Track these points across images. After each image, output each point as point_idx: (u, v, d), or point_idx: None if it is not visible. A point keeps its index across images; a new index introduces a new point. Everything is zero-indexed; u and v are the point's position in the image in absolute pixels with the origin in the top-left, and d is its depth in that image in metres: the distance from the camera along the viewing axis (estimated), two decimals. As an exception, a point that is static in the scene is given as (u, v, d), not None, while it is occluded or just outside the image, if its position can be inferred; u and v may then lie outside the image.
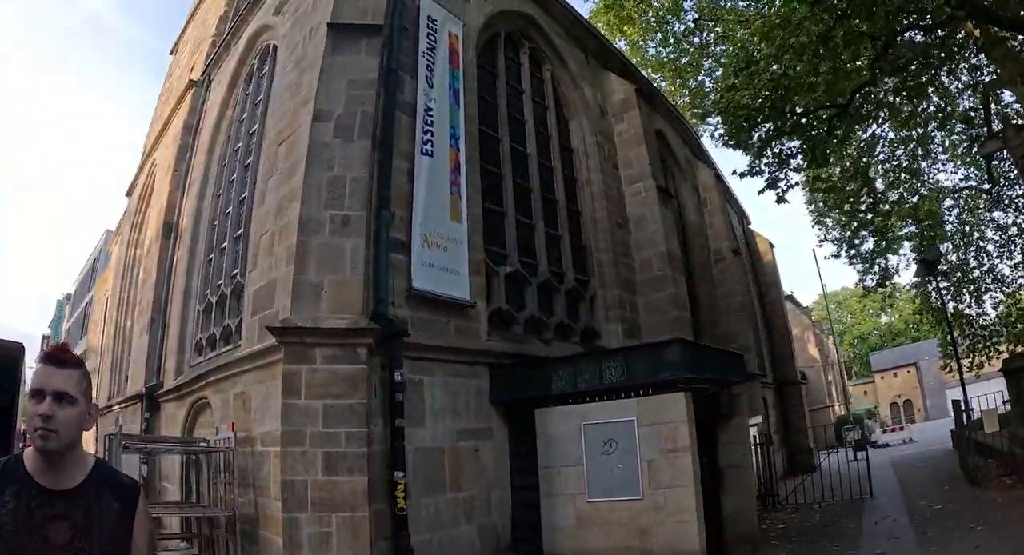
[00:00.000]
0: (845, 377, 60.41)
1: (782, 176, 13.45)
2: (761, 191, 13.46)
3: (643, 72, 16.37)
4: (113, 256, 20.56)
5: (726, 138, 13.34)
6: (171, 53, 18.53)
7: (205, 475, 8.79)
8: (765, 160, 13.19)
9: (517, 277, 9.79)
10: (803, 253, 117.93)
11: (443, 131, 8.50)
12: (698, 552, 6.59)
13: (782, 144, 13.04)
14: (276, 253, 7.46)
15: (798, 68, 11.43)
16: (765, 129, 12.43)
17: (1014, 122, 13.23)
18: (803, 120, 12.47)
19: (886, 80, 12.97)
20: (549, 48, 12.40)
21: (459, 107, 8.98)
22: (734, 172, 15.15)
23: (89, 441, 16.88)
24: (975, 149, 15.68)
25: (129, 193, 18.43)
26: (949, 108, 15.94)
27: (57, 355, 1.85)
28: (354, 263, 6.56)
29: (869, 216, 17.51)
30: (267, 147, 9.09)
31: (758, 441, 13.40)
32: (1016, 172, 15.66)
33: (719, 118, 13.80)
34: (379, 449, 6.29)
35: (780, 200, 13.20)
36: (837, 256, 20.33)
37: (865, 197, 17.23)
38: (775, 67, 11.60)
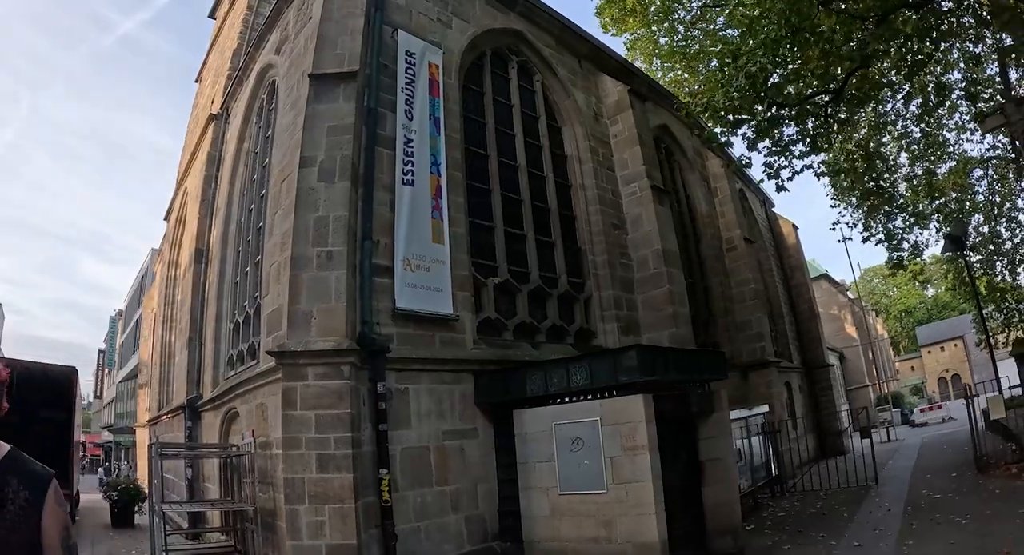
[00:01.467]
0: (891, 353, 59.50)
1: (785, 163, 14.08)
2: (760, 181, 14.10)
3: (656, 62, 17.13)
4: (156, 276, 22.66)
5: (707, 140, 14.01)
6: (196, 81, 20.31)
7: (238, 476, 10.34)
8: (765, 149, 13.82)
9: (507, 286, 10.96)
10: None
11: (424, 159, 9.67)
12: (657, 542, 7.53)
13: (780, 133, 13.58)
14: (281, 282, 8.66)
15: (787, 58, 11.96)
16: (756, 122, 13.06)
17: (1014, 95, 13.49)
18: (794, 110, 13.01)
19: (881, 62, 13.31)
20: (538, 59, 13.42)
21: (440, 134, 10.13)
22: (740, 158, 15.53)
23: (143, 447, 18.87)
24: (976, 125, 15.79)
25: (167, 217, 20.37)
26: (957, 81, 16.17)
27: None
28: (338, 293, 7.79)
29: (885, 196, 17.73)
30: (273, 182, 10.32)
31: (764, 430, 14.24)
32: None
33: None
34: (368, 450, 7.58)
35: (780, 189, 13.82)
36: (849, 238, 20.46)
37: (881, 175, 17.50)
38: (762, 60, 12.13)
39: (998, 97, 15.75)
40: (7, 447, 1.92)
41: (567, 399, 8.53)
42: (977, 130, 19.30)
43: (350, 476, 7.11)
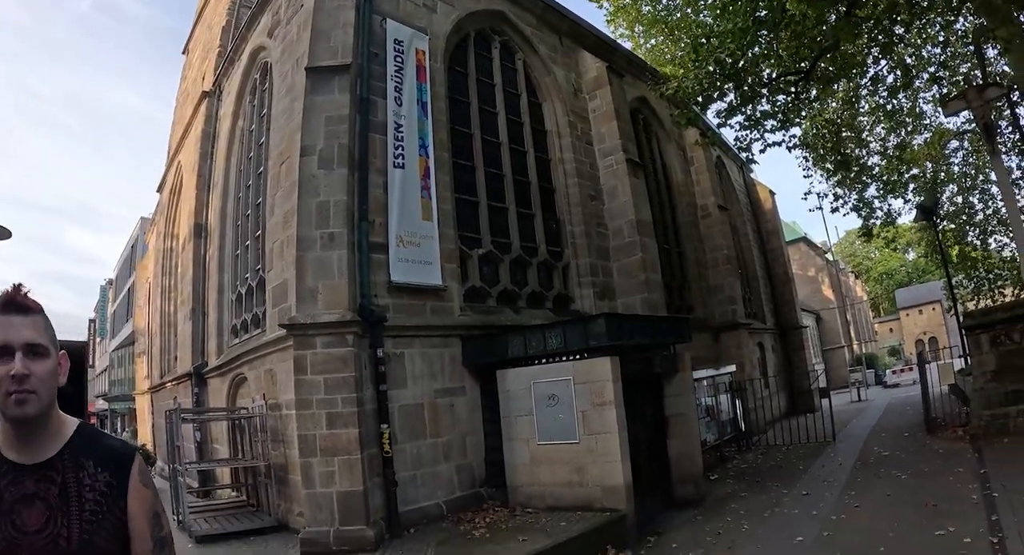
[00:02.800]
0: (870, 315, 61.79)
1: (757, 137, 15.20)
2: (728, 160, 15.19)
3: (638, 29, 18.09)
4: (151, 246, 23.71)
5: (680, 120, 15.11)
6: (183, 53, 21.11)
7: (247, 436, 11.66)
8: (737, 125, 14.90)
9: (491, 257, 12.20)
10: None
11: (413, 143, 10.75)
12: (622, 486, 8.84)
13: (752, 108, 14.65)
14: (285, 258, 9.84)
15: (757, 43, 12.90)
16: (727, 101, 14.12)
17: (975, 82, 14.57)
18: (765, 88, 14.05)
19: (852, 43, 14.14)
20: (520, 38, 14.40)
21: (427, 118, 11.18)
22: (707, 136, 16.65)
23: (144, 414, 20.18)
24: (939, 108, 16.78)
25: (160, 189, 21.38)
26: (936, 55, 17.17)
27: (19, 301, 1.63)
28: (340, 270, 8.98)
29: (856, 168, 18.95)
30: (272, 163, 11.39)
31: (731, 388, 15.73)
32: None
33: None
34: (370, 408, 8.83)
35: (751, 161, 15.12)
36: (820, 208, 21.76)
37: (852, 149, 18.71)
38: (731, 46, 12.82)
39: (976, 73, 16.86)
40: (76, 421, 1.73)
41: (544, 360, 9.79)
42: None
43: (356, 431, 8.36)
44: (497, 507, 9.77)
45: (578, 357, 9.44)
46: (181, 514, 10.21)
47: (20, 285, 1.66)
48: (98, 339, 48.91)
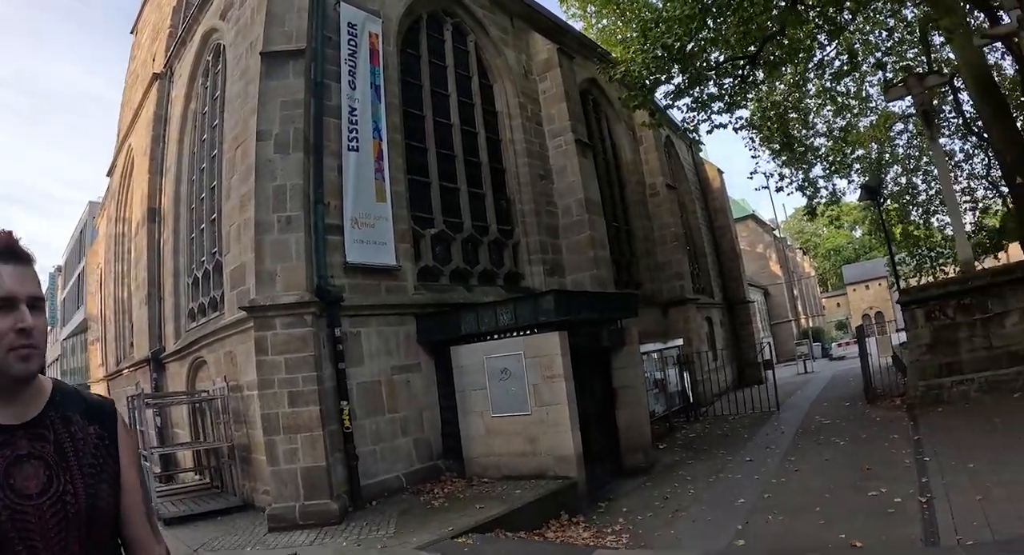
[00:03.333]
0: (818, 290, 64.55)
1: (704, 118, 15.83)
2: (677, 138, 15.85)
3: (590, 8, 18.56)
4: (101, 231, 23.49)
5: (628, 103, 15.64)
6: (132, 32, 20.83)
7: (208, 418, 11.93)
8: (684, 106, 15.49)
9: (443, 236, 12.64)
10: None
11: (366, 126, 11.03)
12: (573, 455, 9.42)
13: (700, 91, 15.19)
14: (243, 242, 10.08)
15: (703, 29, 13.36)
16: (675, 83, 14.71)
17: (917, 70, 15.35)
18: (712, 71, 14.64)
19: (799, 29, 14.44)
20: (472, 20, 14.71)
21: (380, 101, 11.44)
22: (669, 106, 17.23)
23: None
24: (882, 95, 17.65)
25: (110, 173, 21.17)
26: (884, 41, 18.02)
27: (19, 250, 1.53)
28: (297, 252, 9.26)
29: (801, 149, 19.86)
30: (227, 147, 11.53)
31: (679, 361, 16.51)
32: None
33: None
34: (329, 386, 9.20)
35: (698, 142, 15.85)
36: (766, 187, 22.66)
37: (799, 130, 19.59)
38: (678, 30, 13.18)
39: (922, 58, 17.70)
40: (50, 380, 1.66)
41: (496, 336, 10.29)
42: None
43: (317, 408, 8.74)
44: (454, 478, 10.29)
45: (528, 332, 9.94)
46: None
47: (12, 232, 1.55)
48: (48, 328, 47.74)
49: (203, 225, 13.29)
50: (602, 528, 8.32)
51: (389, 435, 10.16)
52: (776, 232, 51.10)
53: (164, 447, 13.27)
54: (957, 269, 22.42)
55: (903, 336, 18.93)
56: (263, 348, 8.92)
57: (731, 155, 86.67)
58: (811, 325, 51.27)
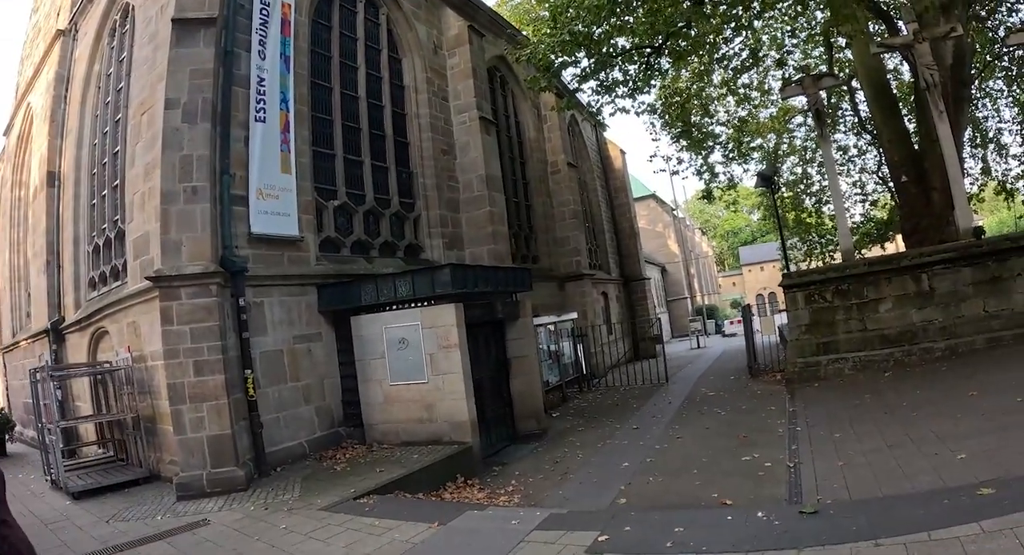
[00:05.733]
0: (715, 269, 69.34)
1: (608, 101, 16.85)
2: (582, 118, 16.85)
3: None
4: (-7, 196, 23.07)
5: (534, 85, 16.58)
6: (36, -20, 20.48)
7: (111, 389, 12.23)
8: (589, 89, 16.46)
9: (346, 208, 13.40)
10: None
11: (274, 97, 11.55)
12: (467, 421, 10.37)
13: (605, 76, 15.98)
14: (147, 210, 10.50)
15: (613, 15, 13.89)
16: (582, 67, 15.50)
17: (814, 72, 16.67)
18: (617, 58, 15.46)
19: (704, 23, 15.14)
20: (386, -8, 15.28)
21: (289, 72, 11.95)
22: (576, 89, 18.30)
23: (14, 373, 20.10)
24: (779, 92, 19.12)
25: (6, 133, 20.88)
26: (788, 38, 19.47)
27: None
28: (203, 223, 9.80)
29: (699, 136, 21.48)
30: (132, 113, 11.76)
31: (573, 334, 17.89)
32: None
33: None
34: (234, 355, 9.84)
35: (601, 125, 17.06)
36: (664, 170, 24.41)
37: (700, 118, 21.16)
38: (587, 18, 13.85)
39: (825, 57, 19.19)
40: None
41: (395, 307, 11.14)
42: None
43: (222, 377, 9.38)
44: (355, 444, 11.15)
45: (426, 304, 10.84)
46: (55, 473, 10.71)
47: None
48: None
49: (105, 191, 13.49)
50: (495, 489, 9.28)
51: (292, 403, 10.92)
52: (677, 212, 54.03)
53: (66, 420, 13.49)
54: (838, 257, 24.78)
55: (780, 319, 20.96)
56: (169, 318, 9.43)
57: (636, 136, 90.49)
58: (706, 303, 54.90)
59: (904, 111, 18.63)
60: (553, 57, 14.44)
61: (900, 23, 15.86)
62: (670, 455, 10.09)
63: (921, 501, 5.32)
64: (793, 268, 21.75)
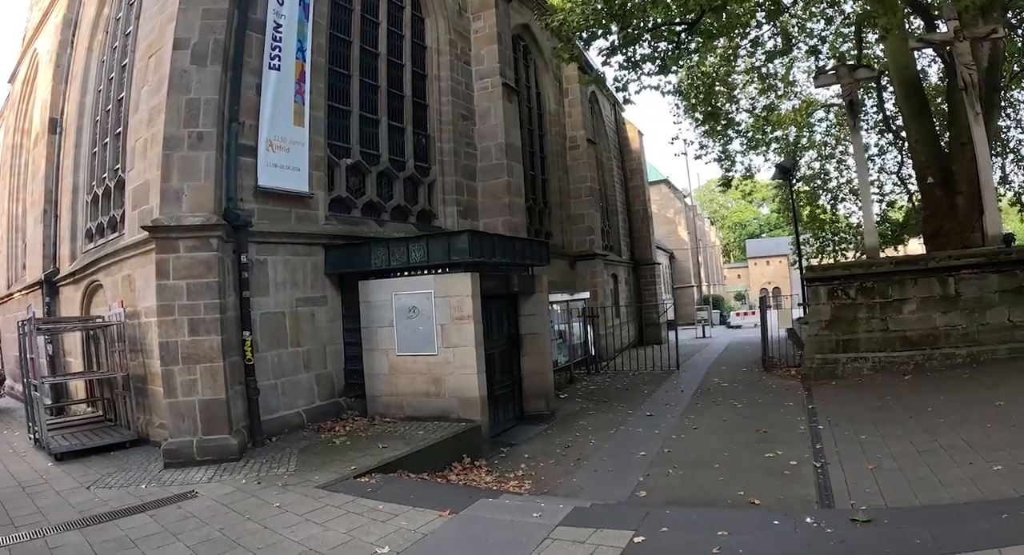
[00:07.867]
0: (720, 260, 69.53)
1: (634, 78, 16.27)
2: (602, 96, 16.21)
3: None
4: (-2, 143, 22.53)
5: (562, 54, 15.94)
6: (42, -75, 19.78)
7: (103, 346, 11.70)
8: (617, 64, 15.86)
9: (359, 167, 12.72)
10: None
11: (291, 45, 10.83)
12: (477, 397, 9.77)
13: (633, 50, 15.38)
14: (149, 158, 9.81)
15: None
16: (611, 41, 14.92)
17: (849, 62, 16.15)
18: (648, 34, 14.92)
19: (739, 5, 14.89)
20: (410, -54, 14.54)
21: (307, 20, 11.23)
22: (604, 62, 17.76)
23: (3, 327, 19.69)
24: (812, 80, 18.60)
25: (11, 80, 20.27)
26: (821, 30, 18.88)
27: None
28: (207, 171, 9.12)
29: (724, 121, 20.91)
30: (139, 57, 11.06)
31: (584, 314, 17.28)
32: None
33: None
34: (232, 315, 9.18)
35: (626, 101, 16.48)
36: (685, 154, 24.02)
37: (724, 103, 20.55)
38: None
39: (853, 52, 18.58)
40: None
41: (406, 273, 10.51)
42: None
43: (218, 338, 8.74)
44: (356, 416, 10.52)
45: (440, 271, 10.21)
46: (38, 431, 10.23)
47: None
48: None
49: (107, 139, 12.87)
50: (504, 473, 8.70)
51: (291, 369, 10.28)
52: (688, 199, 53.53)
53: (55, 376, 12.98)
54: (859, 254, 24.38)
55: (800, 312, 20.50)
56: (164, 272, 8.81)
57: (652, 118, 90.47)
58: (711, 292, 54.61)
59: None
60: (584, 24, 13.78)
61: (938, 22, 15.47)
62: (688, 446, 9.54)
63: (979, 513, 4.98)
64: (804, 263, 21.29)
